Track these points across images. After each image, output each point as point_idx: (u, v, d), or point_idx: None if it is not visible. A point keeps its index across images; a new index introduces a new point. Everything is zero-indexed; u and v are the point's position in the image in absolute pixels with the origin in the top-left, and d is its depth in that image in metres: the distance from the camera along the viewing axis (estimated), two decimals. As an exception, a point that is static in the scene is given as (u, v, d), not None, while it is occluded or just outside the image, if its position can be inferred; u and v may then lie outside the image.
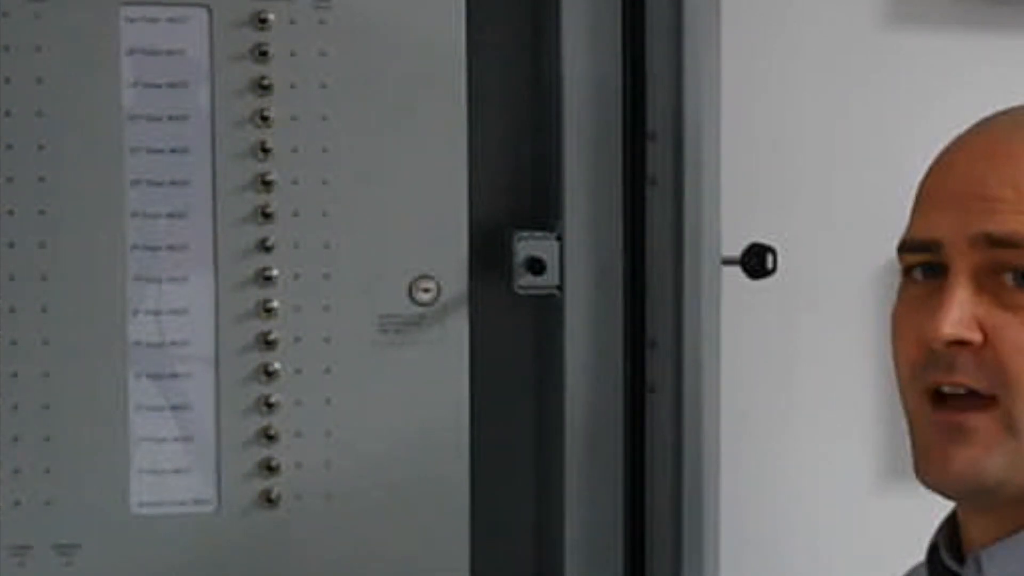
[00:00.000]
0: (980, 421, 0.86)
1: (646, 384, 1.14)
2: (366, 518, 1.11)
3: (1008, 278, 0.85)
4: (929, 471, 0.88)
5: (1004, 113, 0.90)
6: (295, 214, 1.09)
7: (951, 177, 0.88)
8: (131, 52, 1.07)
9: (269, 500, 1.10)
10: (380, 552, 1.11)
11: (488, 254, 1.14)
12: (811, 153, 1.44)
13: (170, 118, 1.08)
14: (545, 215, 1.16)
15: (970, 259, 0.86)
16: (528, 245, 1.11)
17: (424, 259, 1.11)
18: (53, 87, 1.06)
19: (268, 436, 1.09)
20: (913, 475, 0.94)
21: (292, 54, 1.08)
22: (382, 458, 1.11)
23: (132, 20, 1.07)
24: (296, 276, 1.09)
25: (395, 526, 1.10)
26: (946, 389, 0.87)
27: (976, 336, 0.86)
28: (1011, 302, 0.85)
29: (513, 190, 1.18)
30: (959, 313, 0.85)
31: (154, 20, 1.07)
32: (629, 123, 1.12)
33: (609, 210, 1.13)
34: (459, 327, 1.12)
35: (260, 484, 1.10)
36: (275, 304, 1.09)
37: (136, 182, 1.08)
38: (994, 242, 0.85)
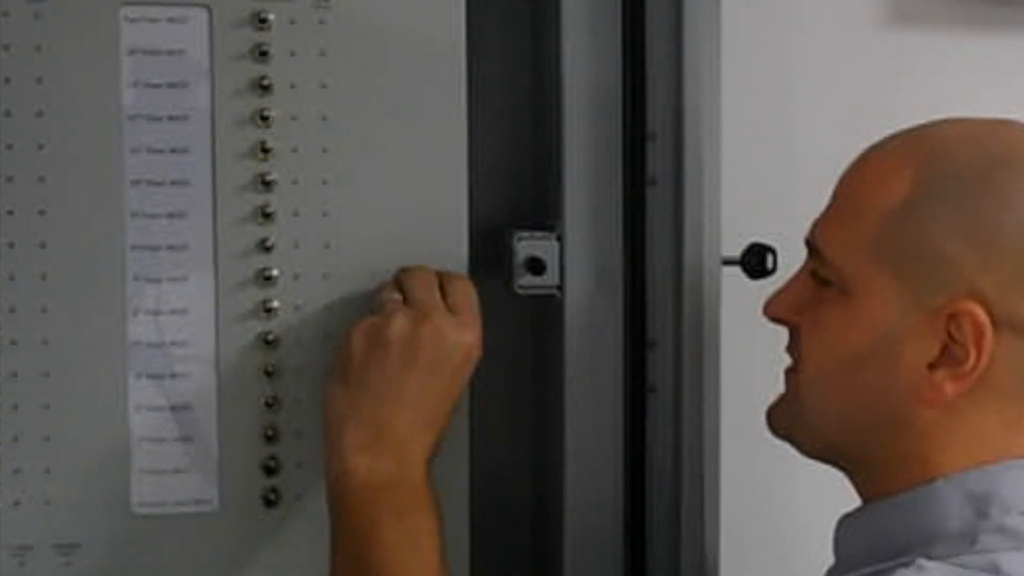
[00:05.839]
0: (788, 382, 1.02)
1: (646, 384, 1.14)
2: (366, 518, 1.11)
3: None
4: None
5: (905, 131, 0.99)
6: (295, 214, 1.09)
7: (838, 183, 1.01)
8: (131, 52, 1.07)
9: (269, 500, 1.10)
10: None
11: (488, 254, 1.14)
12: (811, 153, 1.44)
13: (170, 118, 1.08)
14: (545, 215, 1.16)
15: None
16: (528, 245, 1.11)
17: (424, 259, 1.11)
18: (53, 87, 1.06)
19: (268, 436, 1.10)
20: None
21: (292, 54, 1.08)
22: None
23: (132, 20, 1.07)
24: (296, 276, 1.09)
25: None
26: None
27: (793, 319, 1.00)
28: (816, 295, 0.98)
29: (513, 190, 1.18)
30: (783, 297, 1.01)
31: (154, 20, 1.07)
32: (629, 123, 1.12)
33: (609, 210, 1.13)
34: (459, 327, 1.12)
35: (260, 484, 1.10)
36: (275, 304, 1.09)
37: (136, 182, 1.08)
38: (808, 247, 1.00)
